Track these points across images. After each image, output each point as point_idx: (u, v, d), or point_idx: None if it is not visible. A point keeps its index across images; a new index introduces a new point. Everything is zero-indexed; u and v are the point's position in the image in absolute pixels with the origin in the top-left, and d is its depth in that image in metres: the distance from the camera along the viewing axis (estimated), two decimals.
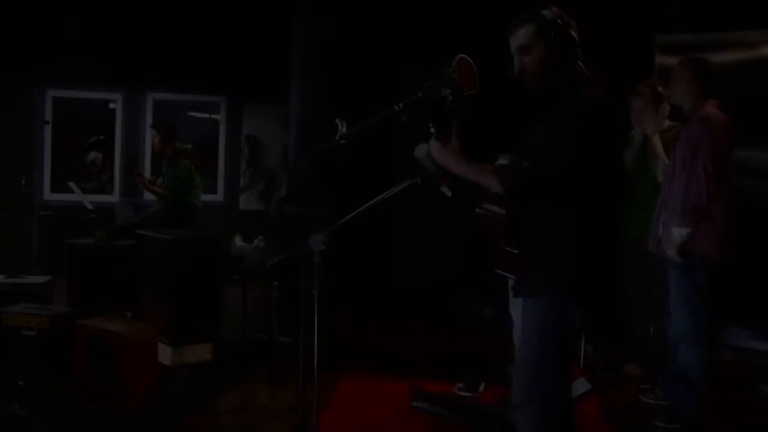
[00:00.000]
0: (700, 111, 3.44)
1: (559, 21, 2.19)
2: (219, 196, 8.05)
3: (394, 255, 6.96)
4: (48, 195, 7.57)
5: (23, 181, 7.41)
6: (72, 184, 6.20)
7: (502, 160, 2.50)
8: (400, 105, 2.53)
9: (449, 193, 2.70)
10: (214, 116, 8.38)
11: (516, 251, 2.37)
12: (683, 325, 3.49)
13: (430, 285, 7.00)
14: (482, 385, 3.96)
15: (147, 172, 7.70)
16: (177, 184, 5.34)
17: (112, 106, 7.98)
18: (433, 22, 7.02)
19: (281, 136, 8.18)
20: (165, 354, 4.08)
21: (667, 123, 3.95)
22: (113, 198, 7.52)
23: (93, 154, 7.89)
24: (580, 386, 3.78)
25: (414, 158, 2.48)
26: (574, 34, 2.22)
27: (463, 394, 3.89)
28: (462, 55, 2.43)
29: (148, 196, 7.42)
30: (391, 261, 6.94)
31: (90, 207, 6.12)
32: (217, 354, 4.36)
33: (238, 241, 7.28)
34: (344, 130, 2.65)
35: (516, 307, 4.31)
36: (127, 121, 7.74)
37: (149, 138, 7.74)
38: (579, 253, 2.15)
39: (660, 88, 3.93)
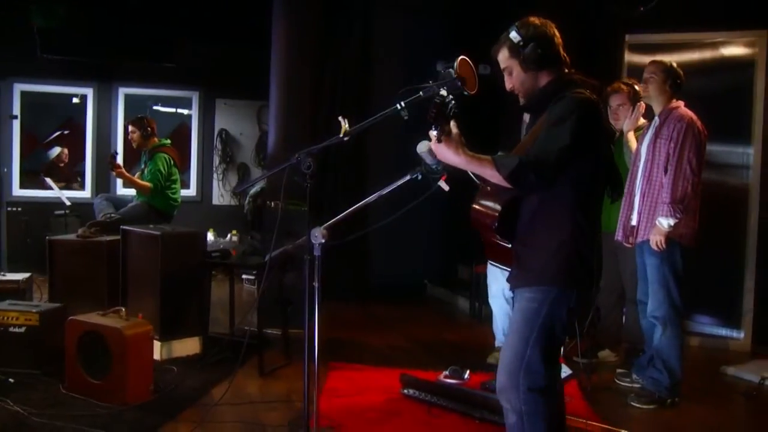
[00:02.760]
0: (676, 110, 3.67)
1: (528, 39, 2.31)
2: (192, 191, 8.03)
3: (369, 249, 7.07)
4: (16, 191, 7.44)
5: None
6: (48, 180, 6.14)
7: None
8: (402, 104, 2.64)
9: (447, 188, 2.81)
10: (179, 110, 8.35)
11: (509, 245, 2.50)
12: (660, 309, 3.70)
13: (404, 278, 7.15)
14: (467, 372, 4.10)
15: None
16: (157, 177, 5.37)
17: (75, 100, 7.89)
18: (408, 17, 7.16)
19: (254, 131, 8.24)
20: (154, 348, 4.10)
21: (641, 120, 4.15)
22: (85, 194, 7.43)
23: (56, 149, 7.82)
24: (561, 372, 3.95)
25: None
26: (551, 41, 2.34)
27: (449, 381, 4.02)
28: (462, 57, 2.55)
29: (121, 191, 7.42)
30: (366, 255, 7.04)
31: (68, 203, 6.07)
32: (204, 348, 4.41)
33: (211, 236, 7.32)
34: (347, 127, 2.75)
35: (495, 299, 4.50)
36: (98, 116, 7.64)
37: (121, 132, 7.71)
38: (572, 245, 2.26)
39: (637, 87, 4.11)
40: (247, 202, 7.52)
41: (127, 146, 7.55)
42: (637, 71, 5.20)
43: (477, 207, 2.61)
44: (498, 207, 2.48)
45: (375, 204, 3.13)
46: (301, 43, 5.54)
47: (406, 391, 3.75)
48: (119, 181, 7.62)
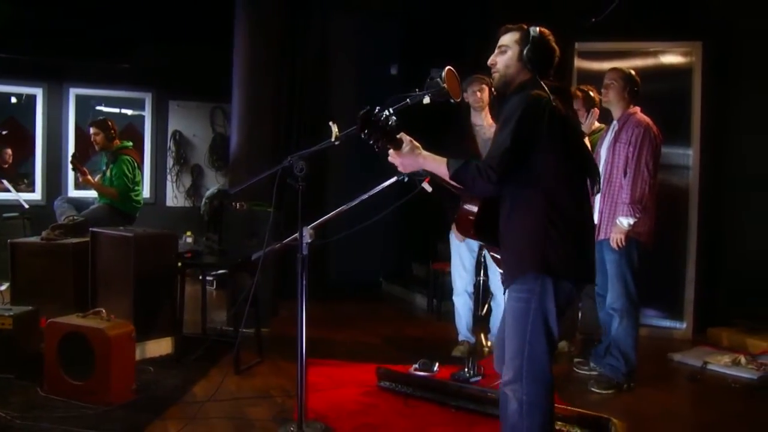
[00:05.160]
0: (634, 116, 3.95)
1: (540, 42, 2.48)
2: (145, 193, 7.92)
3: (326, 248, 7.19)
4: None
5: None
6: (5, 182, 6.00)
7: None
8: (390, 110, 2.79)
9: (430, 189, 2.99)
10: (124, 111, 8.25)
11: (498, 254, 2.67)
12: (618, 301, 3.98)
13: (360, 276, 7.31)
14: (436, 365, 4.29)
15: (70, 169, 7.52)
16: (123, 181, 5.36)
17: (13, 100, 7.70)
18: (363, 20, 7.33)
19: (207, 132, 8.23)
20: None
21: (596, 124, 4.43)
22: (36, 196, 7.27)
23: None
24: None
25: None
26: (552, 58, 2.53)
27: (420, 374, 4.19)
28: (449, 68, 2.73)
29: (73, 192, 7.30)
30: (324, 253, 7.16)
31: (26, 206, 5.96)
32: (176, 348, 4.45)
33: None
34: (337, 131, 2.89)
35: (459, 296, 4.71)
36: (48, 116, 7.48)
37: (72, 134, 7.58)
38: (544, 236, 2.38)
39: (592, 93, 4.38)
40: (203, 203, 7.51)
41: (79, 147, 7.46)
42: (585, 76, 5.53)
43: (459, 215, 2.76)
44: (474, 209, 2.65)
45: (340, 203, 3.28)
46: (263, 45, 5.61)
47: (382, 383, 3.90)
48: (71, 183, 7.51)
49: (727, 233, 5.60)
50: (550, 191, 2.41)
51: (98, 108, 7.99)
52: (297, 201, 2.95)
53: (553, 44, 2.54)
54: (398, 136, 2.49)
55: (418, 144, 2.50)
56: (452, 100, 2.73)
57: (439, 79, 2.69)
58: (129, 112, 8.21)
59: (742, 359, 4.56)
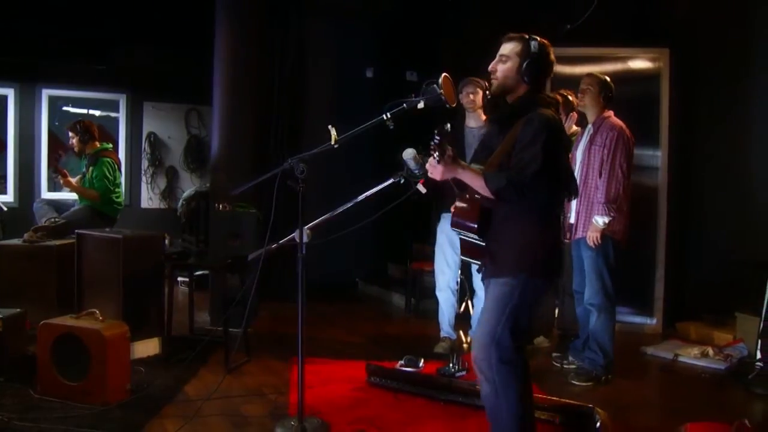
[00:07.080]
0: (608, 120, 4.14)
1: (538, 57, 2.62)
2: None
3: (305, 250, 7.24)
4: None
5: None
6: None
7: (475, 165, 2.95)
8: (388, 114, 2.92)
9: (424, 191, 3.11)
10: (91, 112, 8.18)
11: (483, 243, 2.81)
12: (596, 297, 4.15)
13: (337, 277, 7.39)
14: (421, 361, 4.41)
15: (43, 171, 7.45)
16: (104, 184, 5.35)
17: None
18: (339, 24, 7.42)
19: (182, 134, 8.22)
20: None
21: (573, 128, 4.61)
22: (8, 197, 7.18)
23: None
24: None
25: None
26: (549, 70, 2.68)
27: (406, 369, 4.30)
28: (445, 74, 2.86)
29: (46, 194, 7.23)
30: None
31: (5, 208, 5.90)
32: (163, 348, 4.48)
33: None
34: (335, 135, 2.99)
35: (442, 292, 4.83)
36: (20, 117, 7.38)
37: (45, 135, 7.50)
38: (539, 240, 2.62)
39: (571, 98, 4.55)
40: (180, 205, 7.52)
41: (51, 150, 7.40)
42: (558, 80, 5.68)
43: (456, 210, 2.88)
44: (474, 226, 2.76)
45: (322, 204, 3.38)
46: (244, 47, 5.65)
47: (372, 379, 4.00)
48: (44, 185, 7.44)
49: (693, 232, 5.84)
50: (543, 200, 2.61)
51: (65, 109, 7.90)
52: (288, 202, 3.06)
53: (552, 57, 2.68)
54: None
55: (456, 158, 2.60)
56: (447, 105, 2.85)
57: (435, 86, 2.81)
58: (97, 113, 8.14)
59: (710, 351, 4.79)
